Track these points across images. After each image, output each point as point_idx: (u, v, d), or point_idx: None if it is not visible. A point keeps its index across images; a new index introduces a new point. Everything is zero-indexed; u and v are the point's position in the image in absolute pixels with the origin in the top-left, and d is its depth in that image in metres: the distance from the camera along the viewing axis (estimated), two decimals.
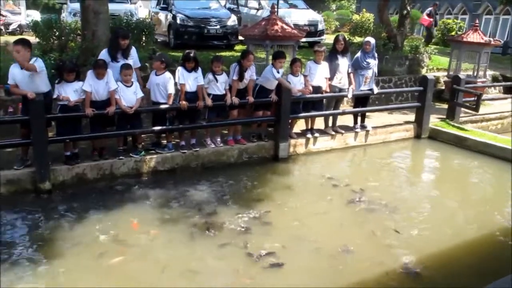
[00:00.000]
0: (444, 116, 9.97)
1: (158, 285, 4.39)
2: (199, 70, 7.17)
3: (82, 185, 6.52)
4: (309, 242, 5.21)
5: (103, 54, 7.00)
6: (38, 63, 6.15)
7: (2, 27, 17.53)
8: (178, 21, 13.04)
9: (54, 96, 6.39)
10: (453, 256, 5.08)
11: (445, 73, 12.69)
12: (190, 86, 7.08)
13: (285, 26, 8.71)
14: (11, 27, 17.96)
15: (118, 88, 6.61)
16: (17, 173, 6.27)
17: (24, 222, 5.57)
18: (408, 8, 13.24)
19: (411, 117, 9.83)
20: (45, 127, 6.23)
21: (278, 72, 7.54)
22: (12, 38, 6.81)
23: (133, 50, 7.26)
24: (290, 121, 8.06)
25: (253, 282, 4.45)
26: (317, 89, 8.08)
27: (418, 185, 7.34)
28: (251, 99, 7.48)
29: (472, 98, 9.79)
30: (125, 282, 4.38)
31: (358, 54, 8.52)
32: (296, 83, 7.82)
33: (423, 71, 12.76)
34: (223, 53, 12.08)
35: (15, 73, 6.12)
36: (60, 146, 6.69)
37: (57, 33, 9.58)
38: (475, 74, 11.99)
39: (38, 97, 6.04)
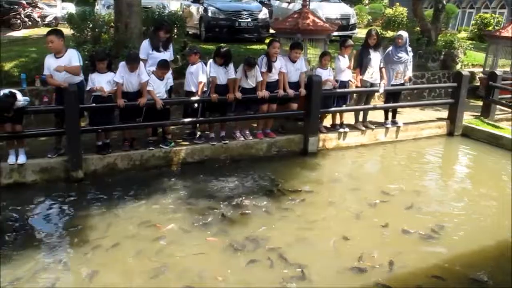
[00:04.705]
0: (479, 114, 9.71)
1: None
2: (231, 64, 7.18)
3: (113, 174, 6.64)
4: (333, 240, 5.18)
5: (145, 45, 7.16)
6: (73, 54, 6.31)
7: (39, 19, 17.97)
8: (209, 14, 13.10)
9: (88, 88, 6.51)
10: (489, 257, 4.96)
11: (481, 69, 12.36)
12: (221, 80, 7.12)
13: (316, 20, 8.66)
14: (47, 19, 18.37)
15: (149, 79, 6.69)
16: (51, 162, 6.42)
17: (56, 209, 5.72)
18: (444, 1, 12.93)
19: (444, 114, 9.60)
20: (78, 117, 6.37)
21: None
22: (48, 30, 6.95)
23: (171, 43, 7.45)
24: (319, 115, 8.00)
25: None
26: (346, 84, 8.07)
27: (450, 185, 7.15)
28: (281, 92, 7.45)
29: (509, 96, 9.52)
30: (153, 268, 4.45)
31: (390, 48, 8.39)
32: (325, 77, 7.76)
33: (458, 67, 12.45)
34: (253, 47, 12.12)
35: (51, 63, 6.26)
36: (92, 135, 6.83)
37: (91, 25, 9.75)
38: None
39: (71, 87, 6.17)
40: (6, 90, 5.83)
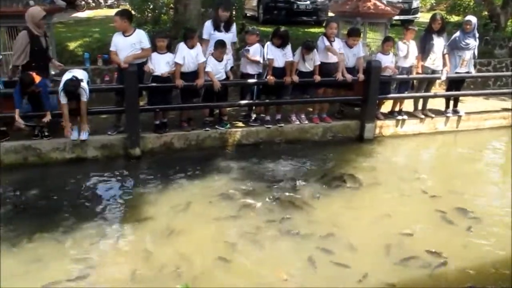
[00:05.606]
0: None
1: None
2: (288, 46, 7.12)
3: (169, 153, 6.78)
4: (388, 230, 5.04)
5: (207, 25, 7.16)
6: (143, 36, 6.52)
7: (102, 1, 18.51)
8: None
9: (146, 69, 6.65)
10: None
11: None
12: (278, 62, 7.06)
13: (378, 3, 8.41)
14: (109, 1, 18.88)
15: (208, 61, 6.73)
16: (111, 139, 6.63)
17: (114, 184, 5.96)
18: None
19: (510, 104, 9.12)
20: (137, 96, 6.52)
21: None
22: (110, 11, 7.15)
23: (233, 25, 7.40)
24: (377, 101, 7.79)
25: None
26: (408, 70, 7.79)
27: (509, 181, 6.76)
28: (339, 75, 7.28)
29: None
30: (207, 247, 4.53)
31: (457, 33, 8.01)
32: (386, 63, 7.53)
33: None
34: (312, 30, 11.95)
35: (118, 41, 6.47)
36: (151, 115, 6.99)
37: (151, 7, 9.92)
38: None
39: (132, 67, 6.32)
40: (71, 75, 6.00)
